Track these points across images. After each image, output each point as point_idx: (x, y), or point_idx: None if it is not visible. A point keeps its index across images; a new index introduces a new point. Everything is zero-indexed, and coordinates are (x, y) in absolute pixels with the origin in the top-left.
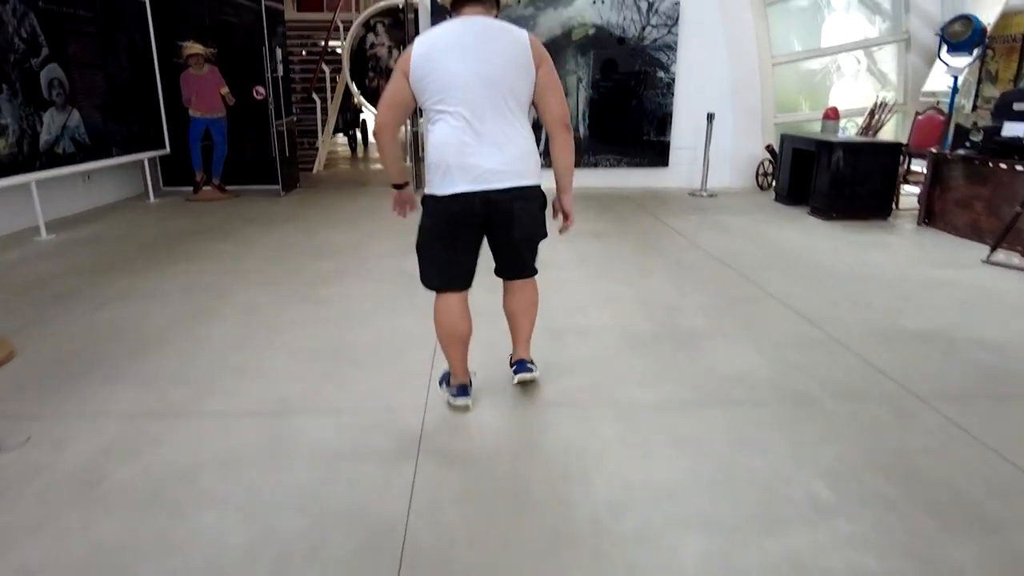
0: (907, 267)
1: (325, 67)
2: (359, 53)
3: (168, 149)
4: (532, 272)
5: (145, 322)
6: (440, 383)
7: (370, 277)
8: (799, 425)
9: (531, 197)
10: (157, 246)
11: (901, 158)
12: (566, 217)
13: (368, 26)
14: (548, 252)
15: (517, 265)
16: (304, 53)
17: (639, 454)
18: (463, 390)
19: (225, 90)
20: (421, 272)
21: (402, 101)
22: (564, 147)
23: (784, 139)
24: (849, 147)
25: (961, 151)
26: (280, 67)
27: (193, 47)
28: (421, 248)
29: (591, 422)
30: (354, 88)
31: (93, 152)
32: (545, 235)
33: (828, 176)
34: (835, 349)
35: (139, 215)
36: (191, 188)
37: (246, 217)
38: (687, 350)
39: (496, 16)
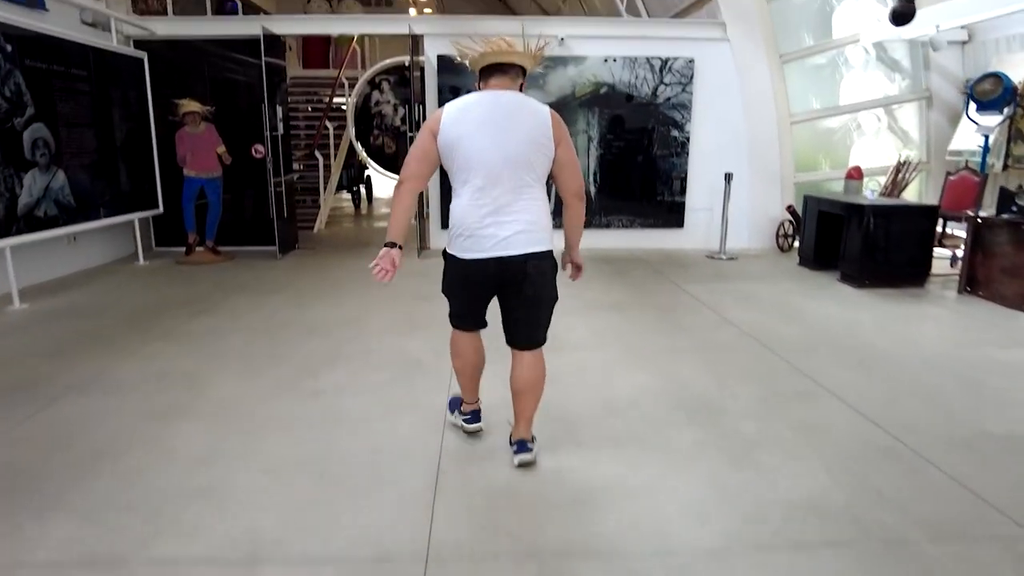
0: (965, 346)
1: (329, 124)
2: (364, 110)
3: (161, 209)
4: (541, 339)
5: (103, 424)
6: (451, 409)
7: (368, 362)
8: None
9: (543, 258)
10: (136, 320)
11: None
12: (577, 268)
13: (373, 84)
14: (563, 329)
15: (527, 328)
16: (310, 109)
17: None
18: (475, 416)
19: (222, 149)
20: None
21: (426, 157)
22: (578, 216)
23: (808, 201)
24: (881, 210)
25: (1007, 215)
26: (280, 125)
27: (189, 105)
28: (444, 291)
29: None
30: (358, 146)
31: (78, 214)
32: (555, 297)
33: (859, 241)
34: (917, 465)
35: (124, 281)
36: (184, 249)
37: (238, 284)
38: (741, 466)
39: (523, 85)
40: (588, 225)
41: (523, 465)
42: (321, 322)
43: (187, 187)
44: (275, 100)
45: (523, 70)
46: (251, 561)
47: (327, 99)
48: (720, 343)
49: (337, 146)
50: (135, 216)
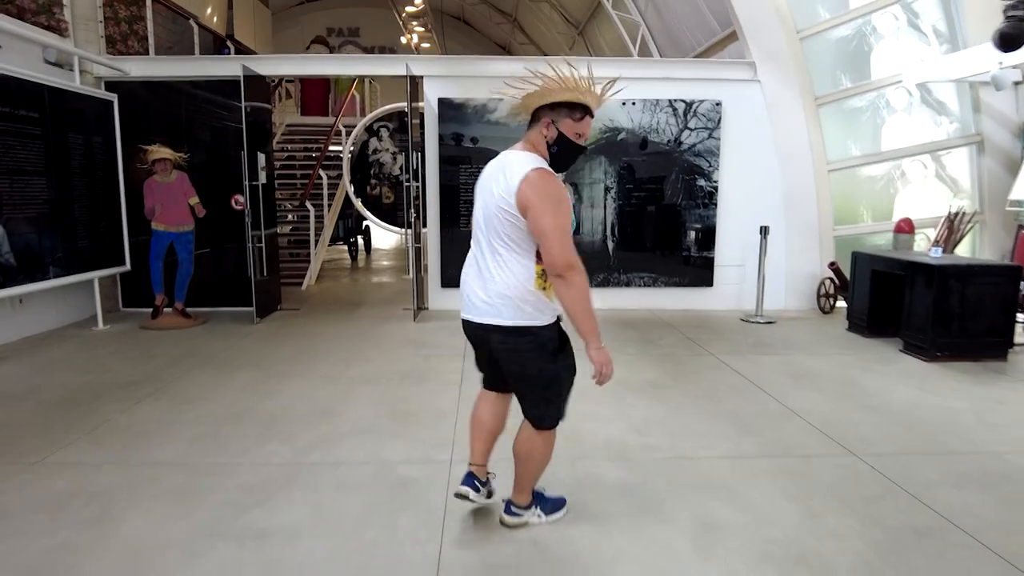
0: None
1: (323, 173)
2: (361, 158)
3: (129, 266)
4: (535, 418)
5: None
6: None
7: (336, 481)
8: None
9: (510, 335)
10: (63, 408)
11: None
12: (595, 363)
13: (371, 130)
14: (590, 421)
15: (520, 401)
16: (302, 157)
17: None
18: (469, 479)
19: (195, 200)
20: None
21: None
22: (565, 294)
23: (858, 258)
24: (956, 271)
25: None
26: (263, 174)
27: (159, 151)
28: None
29: None
30: (355, 198)
31: (20, 274)
32: (549, 377)
33: (928, 306)
34: None
35: (72, 351)
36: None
37: (203, 356)
38: None
39: (546, 131)
40: (606, 283)
41: (503, 523)
42: (287, 415)
43: (155, 242)
44: (257, 146)
45: (564, 107)
46: None
47: (322, 148)
48: (791, 445)
49: (332, 196)
50: (95, 275)
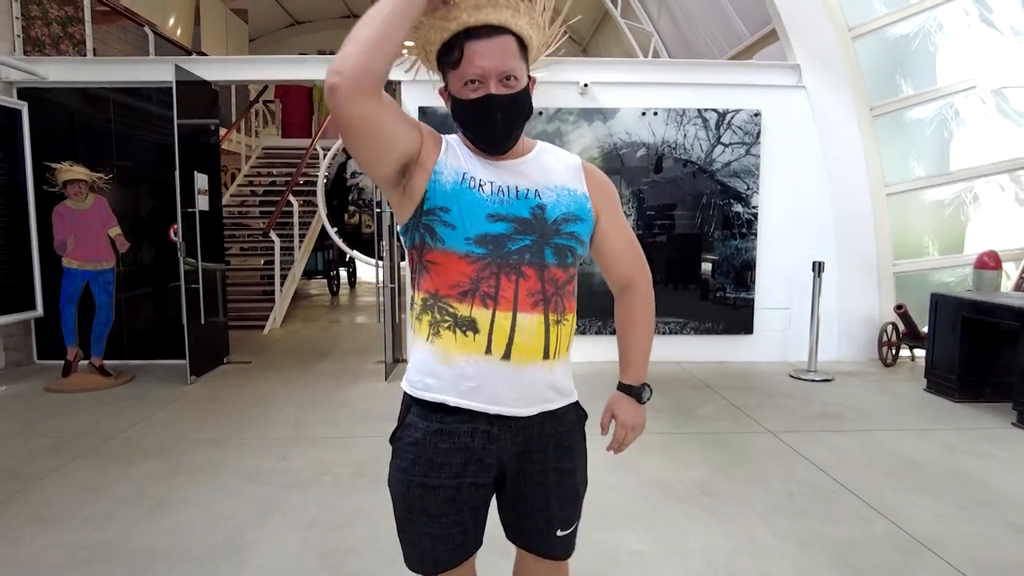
0: None
1: (293, 200)
2: (339, 183)
3: (41, 310)
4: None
5: None
6: None
7: None
8: None
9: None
10: None
11: None
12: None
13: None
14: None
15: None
16: (285, 184)
17: None
18: None
19: (116, 231)
20: None
21: None
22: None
23: (940, 302)
24: None
25: None
26: (202, 199)
27: (72, 170)
28: None
29: None
30: (329, 226)
31: None
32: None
33: None
34: None
35: None
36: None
37: (97, 437)
38: None
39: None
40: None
41: None
42: (168, 555)
43: (67, 283)
44: (195, 165)
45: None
46: None
47: (294, 171)
48: None
49: (307, 224)
50: None
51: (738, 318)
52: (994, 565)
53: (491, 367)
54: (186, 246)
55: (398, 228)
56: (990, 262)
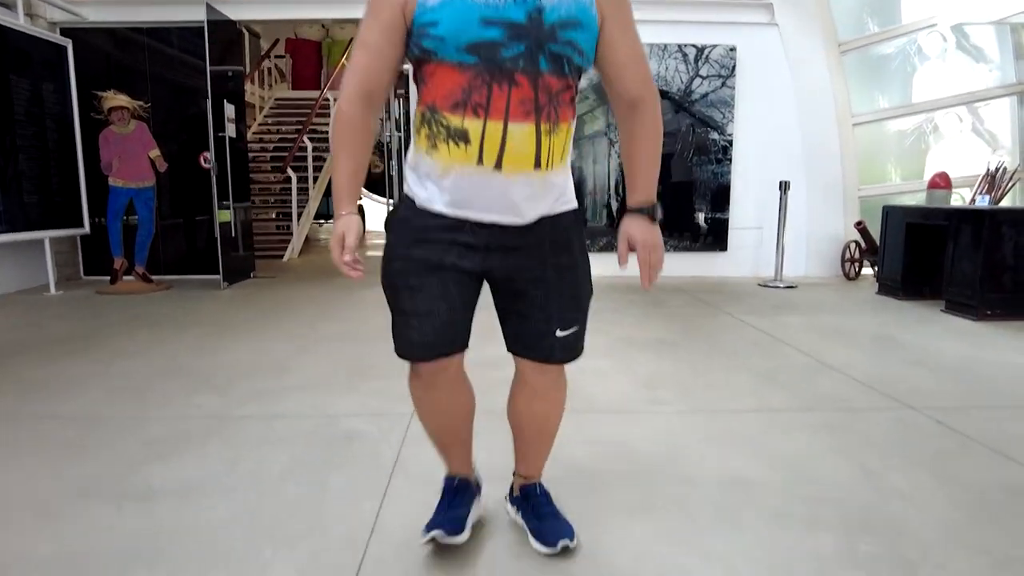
0: None
1: (307, 141)
2: None
3: (87, 228)
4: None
5: None
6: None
7: (264, 436)
8: None
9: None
10: None
11: None
12: None
13: None
14: (591, 376)
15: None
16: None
17: None
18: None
19: (155, 153)
20: None
21: None
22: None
23: (890, 213)
24: (1007, 217)
25: None
26: (231, 126)
27: (116, 98)
28: None
29: None
30: None
31: None
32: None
33: (975, 259)
34: None
35: (5, 314)
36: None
37: (153, 317)
38: None
39: None
40: (608, 248)
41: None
42: (226, 370)
43: (113, 199)
44: (225, 96)
45: None
46: None
47: (306, 118)
48: (832, 399)
49: (317, 167)
50: (45, 235)
51: (714, 237)
52: (882, 379)
53: (483, 177)
54: (217, 166)
55: None
56: (940, 182)
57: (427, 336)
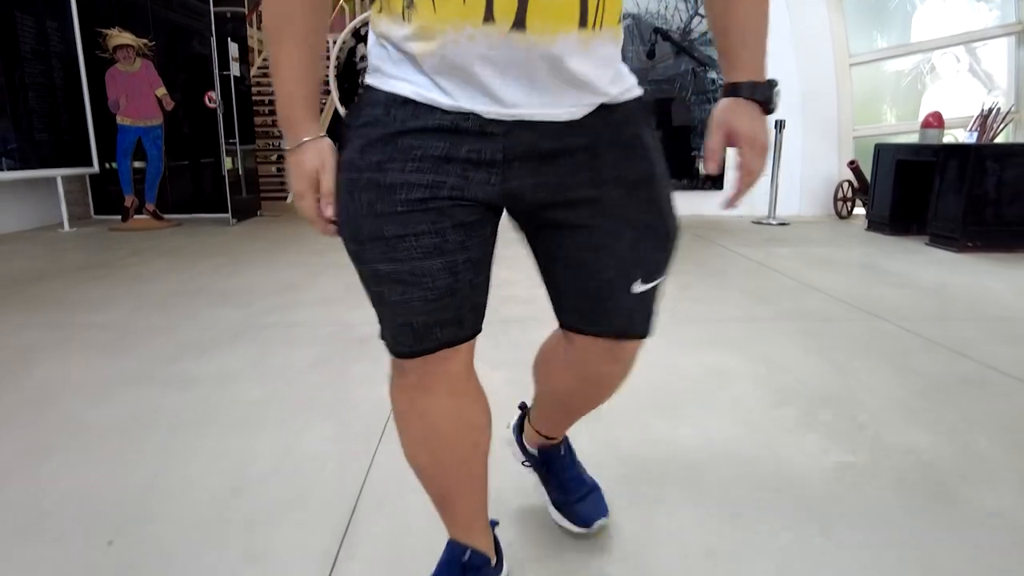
0: None
1: None
2: (348, 67)
3: (96, 167)
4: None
5: None
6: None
7: (286, 338)
8: None
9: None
10: (3, 285)
11: None
12: None
13: (359, 36)
14: None
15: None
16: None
17: None
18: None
19: (162, 91)
20: None
21: None
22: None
23: (881, 151)
24: (991, 152)
25: None
26: (235, 65)
27: (120, 36)
28: None
29: None
30: (342, 108)
31: None
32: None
33: (960, 194)
34: None
35: (27, 248)
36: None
37: (167, 248)
38: (931, 511)
39: None
40: None
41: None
42: (245, 289)
43: (121, 138)
44: (227, 34)
45: None
46: None
47: None
48: (812, 312)
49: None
50: (57, 173)
51: (711, 176)
52: (860, 298)
53: (496, 45)
54: (223, 105)
55: None
56: (933, 121)
57: (415, 314)
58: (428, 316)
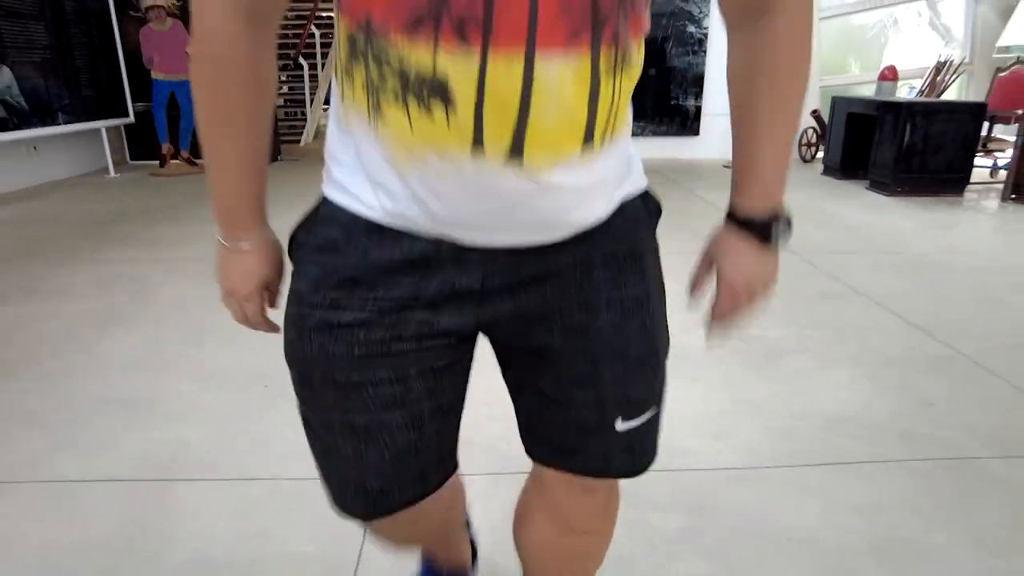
0: (1019, 253)
1: (315, 29)
2: None
3: (132, 118)
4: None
5: (34, 328)
6: None
7: None
8: (965, 506)
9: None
10: (92, 227)
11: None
12: None
13: None
14: None
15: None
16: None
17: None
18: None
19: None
20: None
21: None
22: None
23: (836, 102)
24: (921, 109)
25: None
26: None
27: None
28: None
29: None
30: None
31: (33, 118)
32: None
33: (893, 145)
34: (975, 374)
35: (88, 193)
36: (158, 162)
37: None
38: (767, 374)
39: None
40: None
41: None
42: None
43: (156, 91)
44: None
45: None
46: (166, 478)
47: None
48: None
49: (324, 55)
50: (102, 124)
51: (687, 122)
52: (813, 242)
53: (484, 176)
54: None
55: None
56: (889, 75)
57: (370, 475)
58: (384, 480)
